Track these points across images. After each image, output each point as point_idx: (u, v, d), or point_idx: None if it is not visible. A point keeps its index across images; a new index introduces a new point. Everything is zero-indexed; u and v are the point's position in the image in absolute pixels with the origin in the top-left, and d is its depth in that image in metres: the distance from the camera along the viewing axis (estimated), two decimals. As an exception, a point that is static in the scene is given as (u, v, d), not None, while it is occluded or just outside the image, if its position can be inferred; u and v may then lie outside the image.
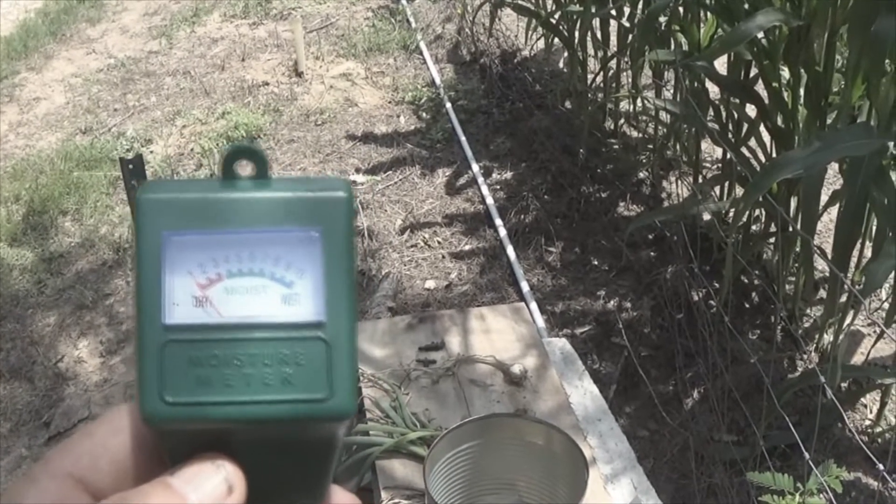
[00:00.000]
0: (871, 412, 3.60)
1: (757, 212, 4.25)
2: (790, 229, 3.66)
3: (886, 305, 3.86)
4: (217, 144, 5.77)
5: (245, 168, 0.58)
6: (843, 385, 3.65)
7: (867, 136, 2.97)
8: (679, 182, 4.75)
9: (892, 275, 3.38)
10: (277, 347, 0.55)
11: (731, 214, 4.44)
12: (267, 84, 6.67)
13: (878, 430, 3.52)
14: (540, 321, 3.99)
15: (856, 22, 3.15)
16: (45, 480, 0.55)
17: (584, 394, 2.58)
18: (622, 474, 2.33)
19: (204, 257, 0.56)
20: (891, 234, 3.11)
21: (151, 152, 5.86)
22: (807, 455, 2.47)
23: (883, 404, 3.51)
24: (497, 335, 2.75)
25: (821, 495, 2.32)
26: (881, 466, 2.44)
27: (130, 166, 2.65)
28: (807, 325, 3.98)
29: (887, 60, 3.10)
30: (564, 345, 2.83)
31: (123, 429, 0.57)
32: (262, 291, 0.56)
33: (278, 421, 0.55)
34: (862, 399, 3.65)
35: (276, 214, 0.56)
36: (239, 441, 0.56)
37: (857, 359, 3.78)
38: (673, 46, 4.57)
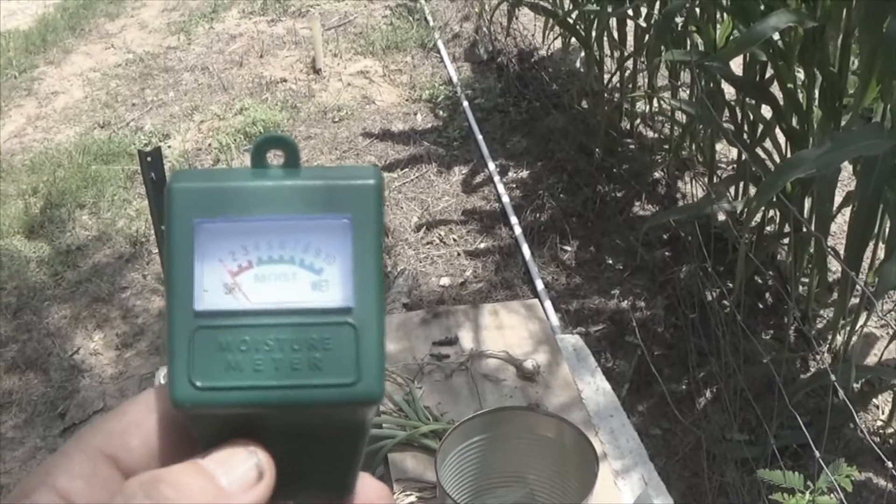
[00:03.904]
0: (882, 413, 3.61)
1: (771, 212, 4.26)
2: (804, 230, 3.67)
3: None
4: (234, 140, 5.80)
5: (276, 157, 0.59)
6: (856, 386, 3.65)
7: (879, 136, 2.98)
8: (694, 182, 4.76)
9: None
10: (306, 332, 0.56)
11: (745, 214, 4.45)
12: (285, 81, 6.69)
13: (890, 430, 3.52)
14: (554, 319, 4.00)
15: (868, 23, 3.16)
16: (78, 457, 0.55)
17: (596, 390, 2.60)
18: (633, 470, 2.34)
19: (234, 245, 0.57)
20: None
21: (169, 147, 5.88)
22: (817, 453, 2.48)
23: (895, 405, 3.52)
24: (510, 331, 2.76)
25: (832, 495, 2.33)
26: (890, 465, 2.45)
27: (149, 159, 2.67)
28: (820, 325, 3.99)
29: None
30: (577, 341, 2.84)
31: (156, 410, 0.58)
32: (292, 278, 0.57)
33: (306, 405, 0.56)
34: (874, 400, 3.65)
35: (306, 202, 0.57)
36: (268, 427, 0.57)
37: (870, 360, 3.78)
38: (689, 47, 4.57)
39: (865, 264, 3.81)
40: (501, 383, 2.55)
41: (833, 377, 2.59)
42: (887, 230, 3.47)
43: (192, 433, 0.57)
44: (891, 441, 3.48)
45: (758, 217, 4.18)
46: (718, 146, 4.84)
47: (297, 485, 0.60)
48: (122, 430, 0.57)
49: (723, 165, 5.06)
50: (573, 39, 6.03)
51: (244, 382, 0.55)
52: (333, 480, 0.61)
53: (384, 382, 0.57)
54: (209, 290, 0.56)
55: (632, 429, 2.49)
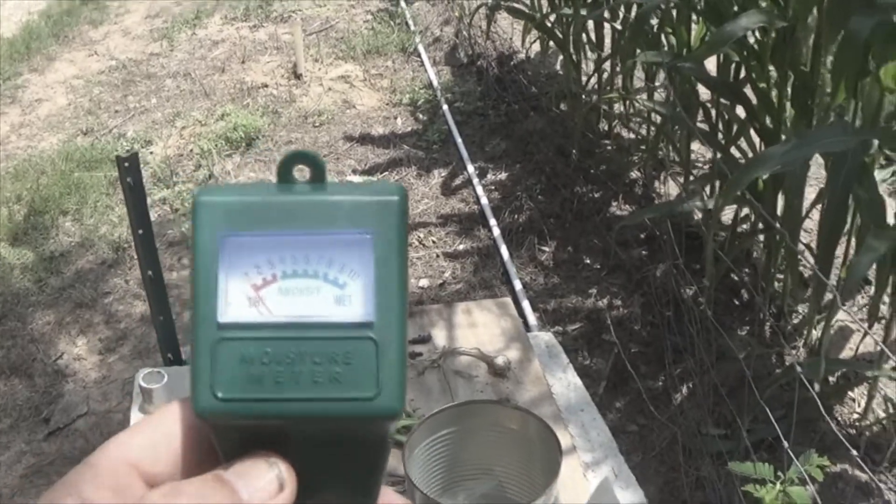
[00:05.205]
0: (858, 406, 3.64)
1: (746, 210, 4.29)
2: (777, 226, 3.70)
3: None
4: (216, 145, 5.84)
5: (302, 173, 0.61)
6: (832, 379, 3.69)
7: (845, 133, 3.02)
8: (667, 181, 4.79)
9: (875, 271, 3.42)
10: (328, 346, 0.57)
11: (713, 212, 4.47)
12: (266, 86, 6.72)
13: (866, 423, 3.55)
14: (532, 319, 4.04)
15: (831, 21, 3.20)
16: (105, 468, 0.56)
17: (567, 385, 2.63)
18: (603, 463, 2.38)
19: (260, 259, 0.58)
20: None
21: (151, 153, 5.92)
22: (785, 444, 2.51)
23: (870, 398, 3.55)
24: (483, 328, 2.80)
25: (807, 487, 2.37)
26: (854, 452, 2.49)
27: (126, 164, 2.70)
28: (796, 321, 4.02)
29: (870, 58, 3.15)
30: (550, 338, 2.87)
31: (182, 421, 0.59)
32: (316, 292, 0.58)
33: (326, 418, 0.57)
34: (851, 393, 3.69)
35: (331, 217, 0.58)
36: (290, 438, 0.58)
37: (847, 354, 3.81)
38: (667, 48, 4.60)
39: (840, 260, 3.85)
40: (473, 380, 2.59)
41: (800, 370, 2.63)
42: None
43: (215, 444, 0.59)
44: (867, 434, 3.51)
45: (722, 212, 4.21)
46: (695, 146, 4.87)
47: (318, 497, 0.60)
48: (149, 442, 0.58)
49: (699, 165, 5.09)
50: (552, 42, 6.06)
51: (265, 394, 0.56)
52: (354, 493, 0.62)
53: (405, 397, 0.58)
54: (233, 302, 0.57)
55: (603, 423, 2.52)
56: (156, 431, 0.58)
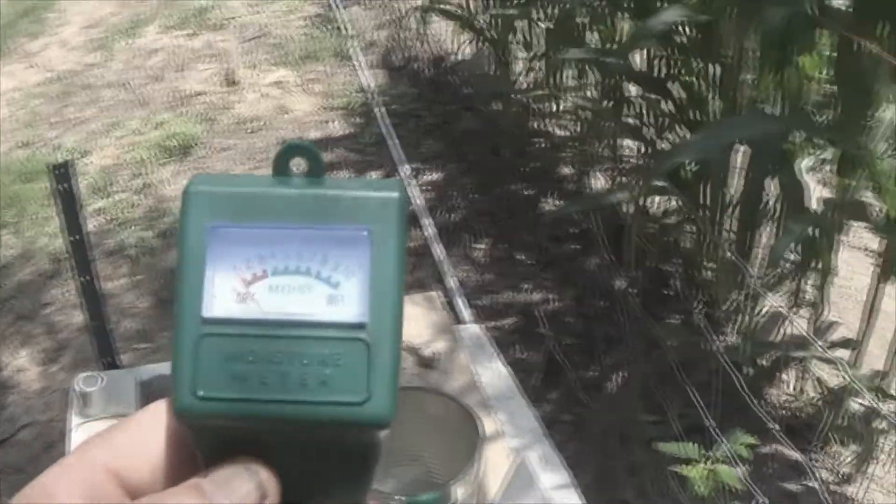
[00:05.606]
0: (789, 387, 3.70)
1: (674, 201, 4.35)
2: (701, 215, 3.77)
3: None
4: (152, 154, 5.85)
5: (298, 166, 0.58)
6: (764, 363, 3.74)
7: (763, 121, 3.09)
8: (593, 176, 4.85)
9: (800, 255, 3.50)
10: (318, 347, 0.54)
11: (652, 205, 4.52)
12: (202, 94, 6.73)
13: (798, 404, 3.61)
14: (466, 315, 4.09)
15: (743, 14, 3.27)
16: (80, 471, 0.53)
17: (494, 374, 2.67)
18: (530, 447, 2.42)
19: (250, 252, 0.55)
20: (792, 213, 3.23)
21: (90, 163, 5.91)
22: (711, 423, 2.57)
23: (802, 380, 3.61)
24: (412, 322, 2.82)
25: (736, 467, 2.43)
26: (775, 427, 2.55)
27: (58, 171, 2.73)
28: (727, 307, 4.08)
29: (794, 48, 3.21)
30: (477, 330, 2.91)
31: (164, 423, 0.56)
32: (308, 290, 0.55)
33: (313, 423, 0.54)
34: (784, 376, 3.74)
35: (326, 212, 0.55)
36: (274, 442, 0.55)
37: (778, 338, 3.87)
38: (597, 45, 4.64)
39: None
40: (402, 371, 2.63)
41: (722, 352, 2.69)
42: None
43: (196, 446, 0.56)
44: (800, 414, 3.58)
45: (641, 200, 4.26)
46: (627, 140, 4.92)
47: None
48: (127, 445, 0.55)
49: (632, 160, 5.14)
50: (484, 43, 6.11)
51: (249, 395, 0.53)
52: (340, 501, 0.59)
53: (396, 403, 0.55)
54: (219, 296, 0.54)
55: (530, 409, 2.56)
56: (135, 434, 0.56)
